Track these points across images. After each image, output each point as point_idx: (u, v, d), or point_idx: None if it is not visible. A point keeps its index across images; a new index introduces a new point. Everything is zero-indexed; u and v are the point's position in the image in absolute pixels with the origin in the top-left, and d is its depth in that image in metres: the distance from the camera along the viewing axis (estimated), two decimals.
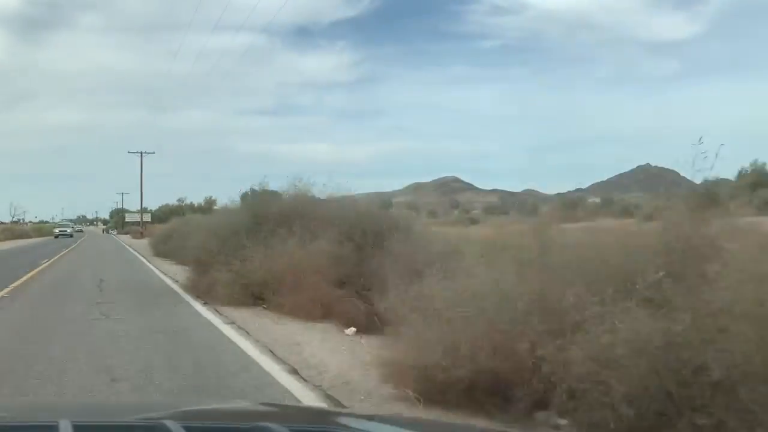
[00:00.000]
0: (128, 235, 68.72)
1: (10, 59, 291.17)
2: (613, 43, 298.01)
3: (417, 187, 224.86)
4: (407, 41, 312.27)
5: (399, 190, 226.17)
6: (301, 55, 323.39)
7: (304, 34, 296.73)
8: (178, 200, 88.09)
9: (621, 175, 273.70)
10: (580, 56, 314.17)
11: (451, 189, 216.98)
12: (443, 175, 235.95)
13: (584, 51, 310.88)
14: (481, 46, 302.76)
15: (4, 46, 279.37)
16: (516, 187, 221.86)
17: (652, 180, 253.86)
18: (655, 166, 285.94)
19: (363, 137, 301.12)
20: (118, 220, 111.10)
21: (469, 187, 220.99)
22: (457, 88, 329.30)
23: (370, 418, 2.03)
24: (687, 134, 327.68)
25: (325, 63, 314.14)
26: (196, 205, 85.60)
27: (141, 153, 67.83)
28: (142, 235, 56.80)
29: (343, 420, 1.84)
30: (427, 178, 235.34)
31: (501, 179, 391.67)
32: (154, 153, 70.40)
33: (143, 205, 75.11)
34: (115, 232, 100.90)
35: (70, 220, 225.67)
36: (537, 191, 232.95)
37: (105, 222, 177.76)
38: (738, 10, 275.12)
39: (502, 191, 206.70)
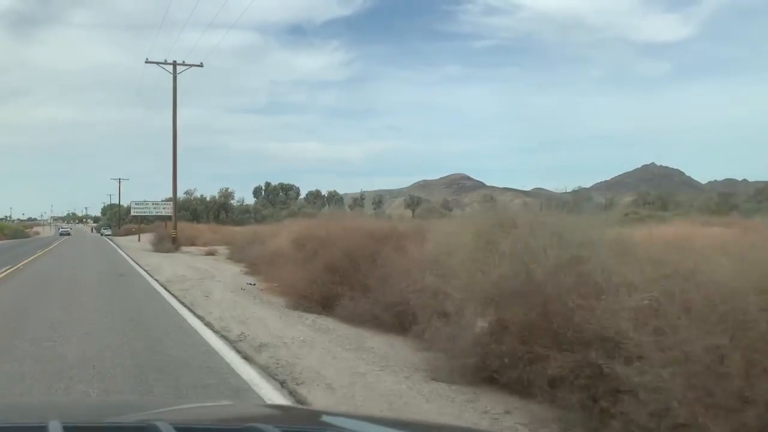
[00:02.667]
0: (135, 240, 44.54)
1: (3, 55, 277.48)
2: (605, 43, 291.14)
3: (424, 185, 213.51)
4: (400, 41, 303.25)
5: (405, 188, 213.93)
6: (295, 54, 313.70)
7: (297, 33, 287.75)
8: (186, 193, 73.15)
9: (624, 174, 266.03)
10: (573, 57, 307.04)
11: (462, 187, 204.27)
12: (450, 172, 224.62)
13: (577, 51, 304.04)
14: (474, 46, 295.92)
15: None
16: (506, 184, 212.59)
17: (659, 180, 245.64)
18: (660, 166, 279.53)
19: (355, 136, 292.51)
20: (112, 217, 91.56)
21: (480, 185, 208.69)
22: (451, 87, 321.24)
23: (364, 419, 2.00)
24: (682, 134, 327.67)
25: (318, 62, 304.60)
26: (208, 198, 71.46)
27: (174, 65, 31.93)
28: (176, 244, 31.20)
29: (337, 421, 1.80)
30: (434, 176, 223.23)
31: (499, 177, 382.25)
32: (200, 65, 33.38)
33: (158, 193, 57.32)
34: (109, 232, 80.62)
35: (60, 218, 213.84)
36: (547, 190, 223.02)
37: (95, 219, 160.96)
38: (730, 12, 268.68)
39: (515, 190, 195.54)
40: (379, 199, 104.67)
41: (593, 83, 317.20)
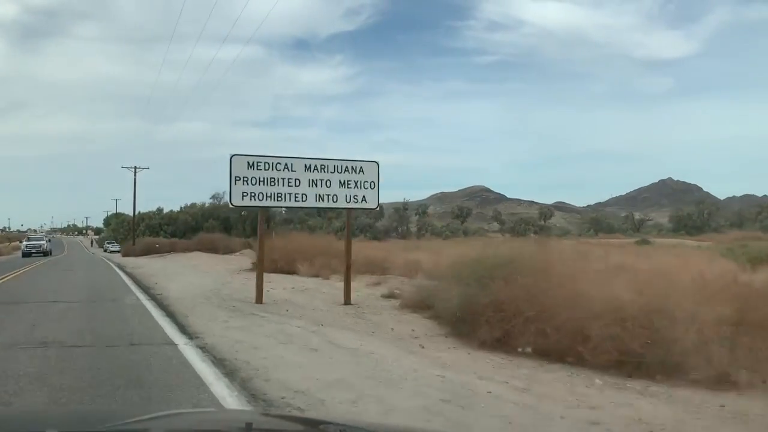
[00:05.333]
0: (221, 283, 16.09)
1: (6, 67, 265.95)
2: (608, 59, 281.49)
3: (442, 197, 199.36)
4: (404, 56, 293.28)
5: (423, 200, 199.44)
6: (299, 68, 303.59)
7: (302, 47, 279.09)
8: (214, 197, 57.02)
9: (641, 189, 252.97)
10: (576, 72, 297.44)
11: (485, 199, 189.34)
12: (469, 185, 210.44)
13: (580, 67, 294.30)
14: (478, 61, 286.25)
15: (0, 53, 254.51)
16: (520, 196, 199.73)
17: (679, 195, 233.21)
18: (677, 181, 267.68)
19: (359, 150, 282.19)
20: (118, 227, 70.51)
21: (502, 197, 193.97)
22: (454, 102, 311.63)
23: (358, 427, 1.92)
24: (692, 149, 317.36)
25: (322, 76, 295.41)
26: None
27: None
28: None
29: (331, 429, 1.71)
30: (451, 188, 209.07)
31: (514, 190, 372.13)
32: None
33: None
34: (116, 248, 58.78)
35: (59, 229, 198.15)
36: (568, 203, 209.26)
37: (97, 231, 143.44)
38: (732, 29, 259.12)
39: (539, 203, 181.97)
40: (424, 210, 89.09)
41: (596, 98, 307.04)
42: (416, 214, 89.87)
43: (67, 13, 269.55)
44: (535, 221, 64.45)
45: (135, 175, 50.99)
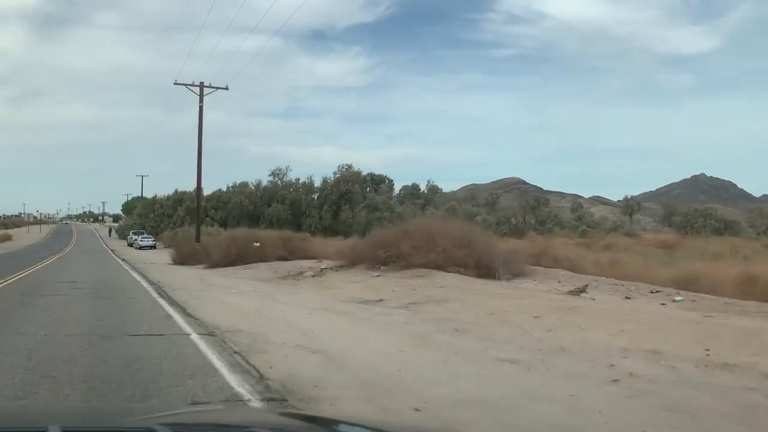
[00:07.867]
0: None
1: (26, 55, 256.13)
2: (628, 54, 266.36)
3: (473, 188, 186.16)
4: (422, 48, 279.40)
5: (454, 191, 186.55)
6: (316, 59, 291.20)
7: (319, 38, 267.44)
8: (274, 174, 43.08)
9: (672, 184, 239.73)
10: (596, 67, 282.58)
11: (522, 192, 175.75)
12: (501, 177, 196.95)
13: (600, 62, 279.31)
14: (496, 55, 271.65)
15: (21, 41, 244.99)
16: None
17: (716, 191, 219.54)
18: (711, 177, 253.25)
19: (373, 142, 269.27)
20: (146, 212, 51.76)
21: (539, 190, 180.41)
22: (472, 95, 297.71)
23: (363, 426, 1.91)
24: (720, 145, 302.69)
25: (339, 67, 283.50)
26: (318, 183, 40.20)
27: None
28: None
29: (336, 427, 1.70)
30: (483, 180, 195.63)
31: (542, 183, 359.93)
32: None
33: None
34: (150, 242, 41.30)
35: (74, 216, 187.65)
36: (604, 198, 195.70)
37: (115, 218, 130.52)
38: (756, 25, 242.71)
39: (582, 198, 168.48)
40: (494, 200, 75.58)
41: (618, 94, 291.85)
42: (486, 204, 76.79)
43: (87, 1, 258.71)
44: (714, 214, 50.80)
45: (201, 97, 30.71)
